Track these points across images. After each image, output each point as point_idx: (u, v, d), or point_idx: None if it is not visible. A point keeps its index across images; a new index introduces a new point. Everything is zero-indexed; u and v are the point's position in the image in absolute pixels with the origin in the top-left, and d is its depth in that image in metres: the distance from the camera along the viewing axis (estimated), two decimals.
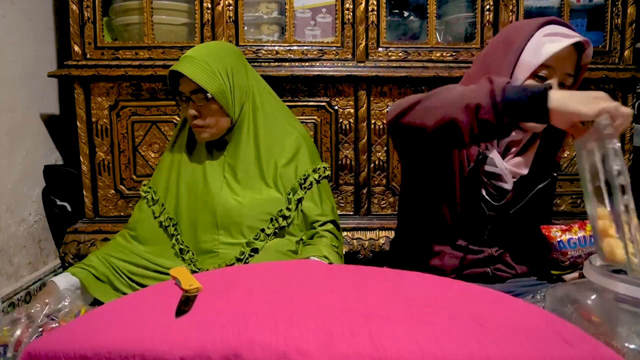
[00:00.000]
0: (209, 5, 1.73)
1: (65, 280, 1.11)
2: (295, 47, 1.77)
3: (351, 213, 1.84)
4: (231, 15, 1.75)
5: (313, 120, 1.79)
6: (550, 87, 0.81)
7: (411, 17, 1.91)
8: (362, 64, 1.77)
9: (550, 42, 0.96)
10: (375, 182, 1.83)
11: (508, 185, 1.04)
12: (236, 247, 1.17)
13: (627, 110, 0.76)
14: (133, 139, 1.79)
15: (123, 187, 1.80)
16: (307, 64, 1.77)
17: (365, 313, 0.67)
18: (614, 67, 1.82)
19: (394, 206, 1.83)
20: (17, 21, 1.70)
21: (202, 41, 1.74)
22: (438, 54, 1.80)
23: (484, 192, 1.05)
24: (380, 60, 1.78)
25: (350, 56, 1.78)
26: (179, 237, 1.20)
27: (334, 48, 1.78)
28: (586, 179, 0.79)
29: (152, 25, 1.75)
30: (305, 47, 1.78)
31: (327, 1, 1.80)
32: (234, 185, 1.21)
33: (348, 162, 1.81)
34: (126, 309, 0.74)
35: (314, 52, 1.77)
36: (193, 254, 1.19)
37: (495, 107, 0.81)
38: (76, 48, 1.74)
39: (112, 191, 1.80)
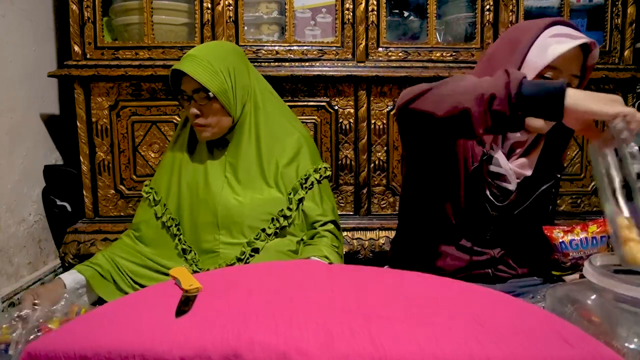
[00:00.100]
0: (209, 5, 1.73)
1: (71, 278, 1.12)
2: (295, 47, 1.78)
3: (351, 213, 1.84)
4: (231, 15, 1.75)
5: (313, 120, 1.79)
6: (569, 85, 0.80)
7: (411, 17, 1.91)
8: (362, 64, 1.77)
9: (556, 43, 0.95)
10: (375, 182, 1.83)
11: (512, 186, 1.04)
12: (237, 247, 1.17)
13: None
14: (133, 139, 1.79)
15: (123, 187, 1.80)
16: (307, 64, 1.77)
17: (366, 313, 0.67)
18: (614, 67, 1.82)
19: (394, 206, 1.83)
20: (17, 21, 1.70)
21: (202, 41, 1.74)
22: (438, 54, 1.80)
23: (487, 193, 1.05)
24: (380, 60, 1.78)
25: (350, 56, 1.78)
26: (181, 237, 1.20)
27: (334, 48, 1.78)
28: (605, 182, 0.78)
29: (152, 25, 1.75)
30: (305, 47, 1.78)
31: (327, 1, 1.80)
32: (235, 185, 1.21)
33: (348, 162, 1.81)
34: (126, 309, 0.74)
35: (314, 52, 1.77)
36: (195, 253, 1.19)
37: (510, 99, 0.80)
38: (76, 48, 1.74)
39: (112, 191, 1.80)
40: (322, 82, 1.77)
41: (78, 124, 1.76)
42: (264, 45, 1.78)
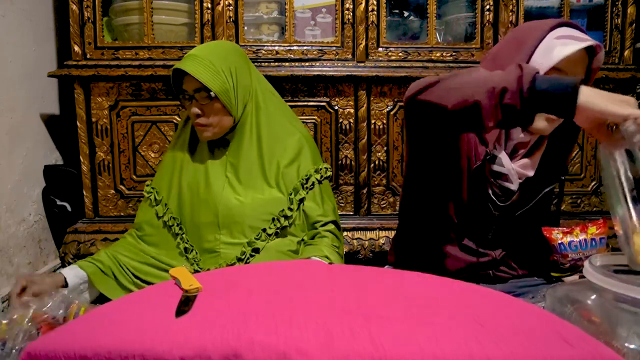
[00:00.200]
0: (209, 5, 1.73)
1: (73, 273, 1.12)
2: (295, 47, 1.77)
3: (351, 213, 1.84)
4: (231, 15, 1.75)
5: (313, 120, 1.79)
6: (582, 82, 0.78)
7: (411, 17, 1.91)
8: (362, 64, 1.77)
9: (561, 45, 0.95)
10: (375, 182, 1.83)
11: (513, 186, 1.04)
12: (237, 247, 1.17)
13: None
14: (133, 139, 1.79)
15: (123, 187, 1.80)
16: (307, 64, 1.77)
17: (366, 313, 0.67)
18: (614, 67, 1.82)
19: (394, 206, 1.83)
20: (17, 21, 1.70)
21: (202, 41, 1.74)
22: (438, 54, 1.80)
23: (490, 192, 1.05)
24: (380, 60, 1.78)
25: (350, 56, 1.78)
26: (184, 235, 1.21)
27: (334, 48, 1.78)
28: (616, 183, 0.77)
29: (152, 25, 1.75)
30: (305, 47, 1.78)
31: (327, 1, 1.80)
32: (235, 184, 1.21)
33: (348, 162, 1.81)
34: (126, 309, 0.74)
35: (314, 52, 1.77)
36: (197, 253, 1.19)
37: (522, 93, 0.79)
38: (76, 48, 1.74)
39: (112, 191, 1.80)
40: (322, 82, 1.77)
41: (78, 124, 1.76)
42: (264, 45, 1.78)
